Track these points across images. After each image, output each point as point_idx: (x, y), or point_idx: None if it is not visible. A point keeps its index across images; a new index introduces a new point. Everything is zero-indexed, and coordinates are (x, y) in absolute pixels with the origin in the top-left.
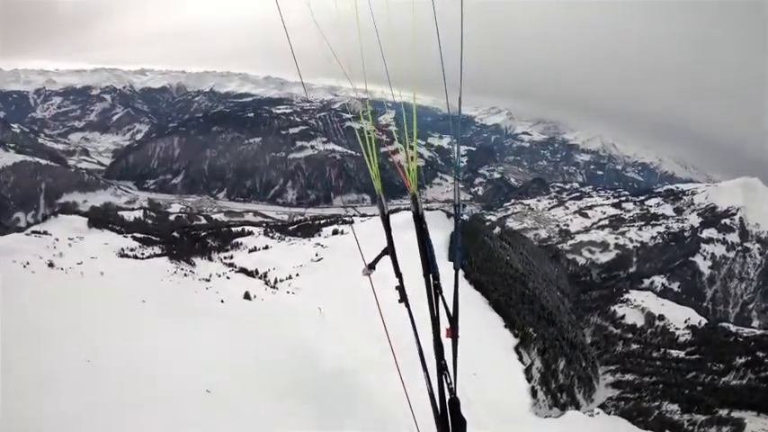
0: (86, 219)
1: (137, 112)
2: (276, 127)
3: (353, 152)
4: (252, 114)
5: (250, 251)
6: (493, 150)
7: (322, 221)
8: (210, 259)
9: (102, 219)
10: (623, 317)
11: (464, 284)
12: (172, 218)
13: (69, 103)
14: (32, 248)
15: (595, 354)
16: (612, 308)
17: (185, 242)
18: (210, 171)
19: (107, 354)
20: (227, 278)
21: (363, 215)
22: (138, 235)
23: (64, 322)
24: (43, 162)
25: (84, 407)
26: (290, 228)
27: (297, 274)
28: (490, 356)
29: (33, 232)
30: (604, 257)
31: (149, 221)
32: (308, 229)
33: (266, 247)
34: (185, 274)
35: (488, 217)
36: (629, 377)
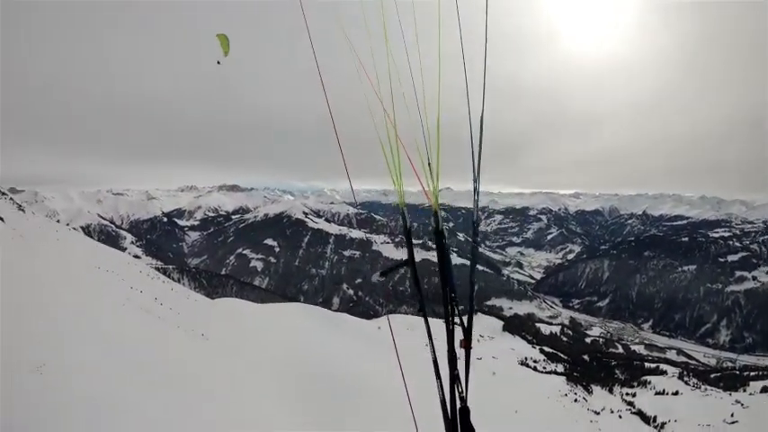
0: (502, 322)
1: (570, 233)
2: (713, 253)
3: None
4: (686, 239)
5: (656, 393)
6: None
7: (752, 373)
8: (611, 392)
9: (518, 326)
10: None
11: None
12: (588, 340)
13: (509, 221)
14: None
15: None
16: None
17: (592, 367)
18: (638, 298)
19: None
20: (619, 416)
21: None
22: (547, 349)
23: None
24: (480, 267)
25: None
26: (711, 375)
27: None
28: None
29: None
30: None
31: (564, 339)
32: (732, 380)
33: (676, 393)
34: (576, 400)
35: None
36: None
